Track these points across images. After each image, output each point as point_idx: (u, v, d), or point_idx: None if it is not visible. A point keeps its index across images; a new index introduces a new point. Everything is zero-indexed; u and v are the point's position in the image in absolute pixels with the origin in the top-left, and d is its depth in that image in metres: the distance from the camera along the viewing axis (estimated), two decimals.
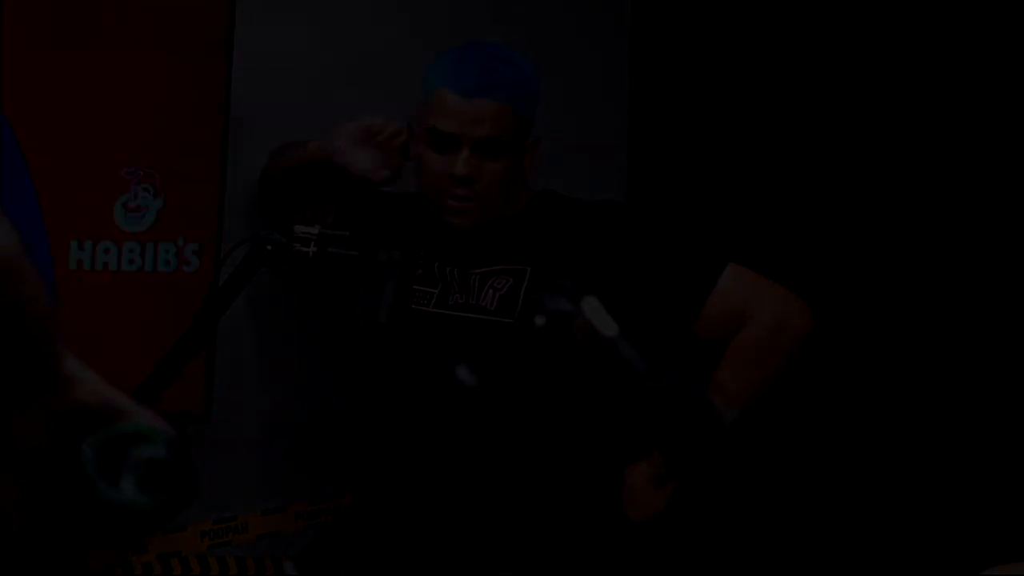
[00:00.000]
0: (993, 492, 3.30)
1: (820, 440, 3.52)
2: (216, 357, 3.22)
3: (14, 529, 1.49)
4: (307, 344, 3.43)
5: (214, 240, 3.21)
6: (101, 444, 1.52)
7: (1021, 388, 3.28)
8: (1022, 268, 3.30)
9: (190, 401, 3.21)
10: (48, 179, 3.13)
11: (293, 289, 3.34)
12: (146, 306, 3.21)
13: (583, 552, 2.54)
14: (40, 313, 1.55)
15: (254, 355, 3.40)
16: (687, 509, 2.76)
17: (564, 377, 2.48)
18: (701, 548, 3.45)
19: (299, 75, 3.38)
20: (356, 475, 3.28)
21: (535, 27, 3.64)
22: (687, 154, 3.73)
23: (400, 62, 3.35)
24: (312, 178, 2.82)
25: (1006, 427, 3.31)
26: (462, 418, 2.47)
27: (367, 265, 2.52)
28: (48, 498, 1.51)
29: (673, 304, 2.51)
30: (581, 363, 2.42)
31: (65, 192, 3.14)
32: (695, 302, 2.53)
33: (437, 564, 2.53)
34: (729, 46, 3.70)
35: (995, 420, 3.33)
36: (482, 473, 2.52)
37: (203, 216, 3.23)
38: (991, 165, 3.38)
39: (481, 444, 2.45)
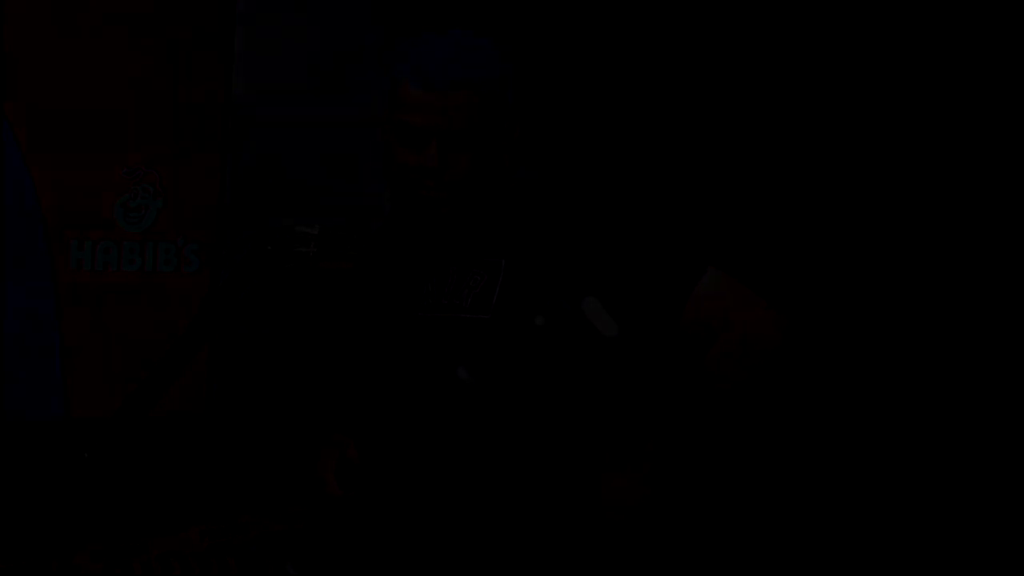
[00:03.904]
0: (993, 492, 3.30)
1: (816, 440, 3.53)
2: (216, 357, 3.22)
3: None
4: (307, 344, 3.43)
5: (214, 240, 3.22)
6: None
7: (1020, 388, 3.29)
8: (1006, 262, 3.31)
9: (190, 401, 3.21)
10: (48, 179, 3.13)
11: (293, 289, 3.34)
12: (146, 306, 3.21)
13: (574, 551, 2.53)
14: None
15: (254, 355, 3.40)
16: (682, 507, 2.75)
17: (548, 376, 2.47)
18: (695, 546, 3.45)
19: (300, 76, 3.38)
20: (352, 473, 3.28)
21: (536, 24, 3.64)
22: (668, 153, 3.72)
23: None
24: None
25: (1006, 427, 3.31)
26: (454, 418, 2.47)
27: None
28: None
29: (652, 307, 2.46)
30: (577, 362, 2.42)
31: (65, 192, 3.15)
32: (674, 306, 2.48)
33: (434, 564, 2.53)
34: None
35: (994, 420, 3.33)
36: (474, 473, 2.52)
37: (203, 216, 3.23)
38: (960, 159, 3.38)
39: (473, 443, 2.45)
